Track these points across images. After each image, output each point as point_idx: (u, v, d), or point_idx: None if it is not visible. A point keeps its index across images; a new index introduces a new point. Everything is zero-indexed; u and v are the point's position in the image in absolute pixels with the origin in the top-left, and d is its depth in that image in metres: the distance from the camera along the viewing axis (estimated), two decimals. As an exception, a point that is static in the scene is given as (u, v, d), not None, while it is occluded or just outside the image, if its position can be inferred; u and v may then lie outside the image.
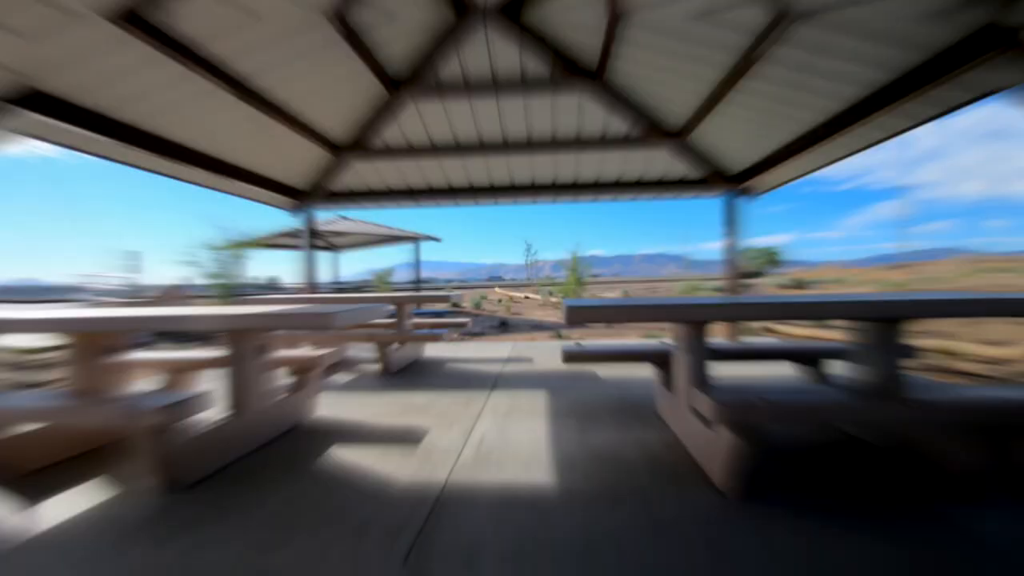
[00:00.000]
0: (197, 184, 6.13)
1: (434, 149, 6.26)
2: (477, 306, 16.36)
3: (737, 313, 2.67)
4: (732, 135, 5.70)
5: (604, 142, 6.18)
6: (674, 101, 5.42)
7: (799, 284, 26.20)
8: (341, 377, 5.16)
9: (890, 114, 4.05)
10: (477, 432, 3.32)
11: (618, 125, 5.98)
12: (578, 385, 4.56)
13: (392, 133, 6.13)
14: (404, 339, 5.10)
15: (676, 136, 5.93)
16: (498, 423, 3.50)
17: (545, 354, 6.41)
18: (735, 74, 4.35)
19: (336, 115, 5.61)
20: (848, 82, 4.02)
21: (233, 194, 6.68)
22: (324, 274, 20.81)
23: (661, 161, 6.65)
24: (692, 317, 2.64)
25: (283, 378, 3.62)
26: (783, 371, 4.68)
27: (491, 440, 3.17)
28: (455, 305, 16.96)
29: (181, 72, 3.81)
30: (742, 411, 2.35)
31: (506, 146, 6.24)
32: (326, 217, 15.42)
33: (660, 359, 3.54)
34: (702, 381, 2.79)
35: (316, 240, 18.28)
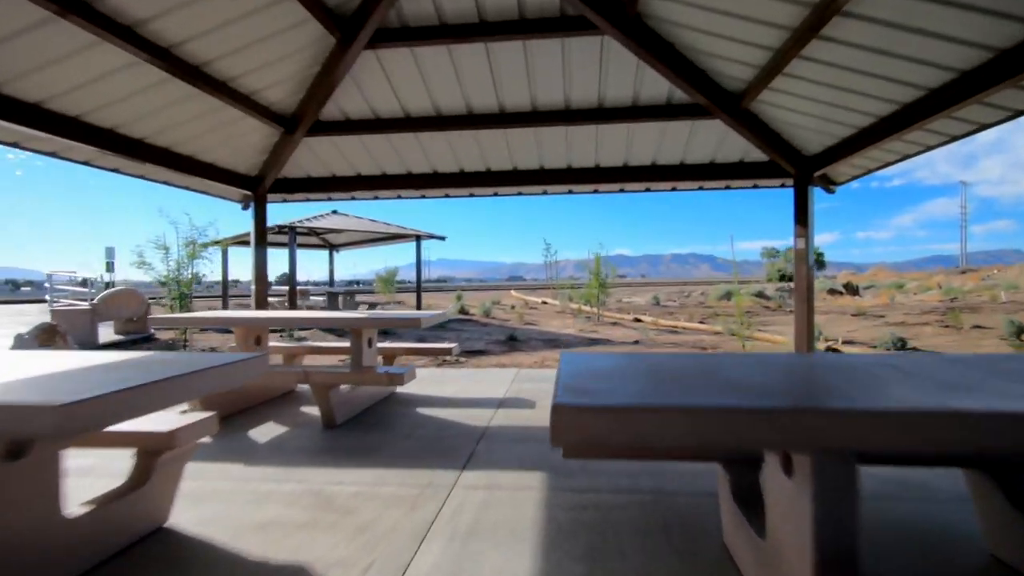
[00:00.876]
0: (127, 174, 4.85)
1: (409, 121, 4.82)
2: (487, 313, 14.89)
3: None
4: (808, 106, 4.11)
5: (635, 111, 4.64)
6: (734, 53, 3.85)
7: (851, 289, 23.97)
8: (267, 428, 3.76)
9: (1009, 90, 2.87)
10: (409, 583, 1.87)
11: (654, 87, 4.44)
12: (592, 465, 3.03)
13: (352, 101, 4.71)
14: (352, 380, 3.67)
15: (735, 103, 4.35)
16: (452, 557, 2.02)
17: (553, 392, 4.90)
18: (813, 26, 3.02)
19: (278, 78, 4.22)
20: (955, 46, 2.82)
21: (173, 185, 5.38)
22: (321, 274, 19.67)
23: (709, 139, 5.06)
24: (841, 439, 1.14)
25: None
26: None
27: (427, 610, 1.71)
28: (462, 311, 15.53)
29: (91, 41, 2.96)
30: None
31: (503, 117, 4.74)
32: (317, 211, 14.16)
33: (735, 459, 2.01)
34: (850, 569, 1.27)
35: (309, 238, 17.16)
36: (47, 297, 13.41)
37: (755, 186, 5.88)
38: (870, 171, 5.10)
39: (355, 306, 13.98)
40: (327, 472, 2.92)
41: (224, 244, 10.77)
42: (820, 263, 69.37)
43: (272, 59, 3.90)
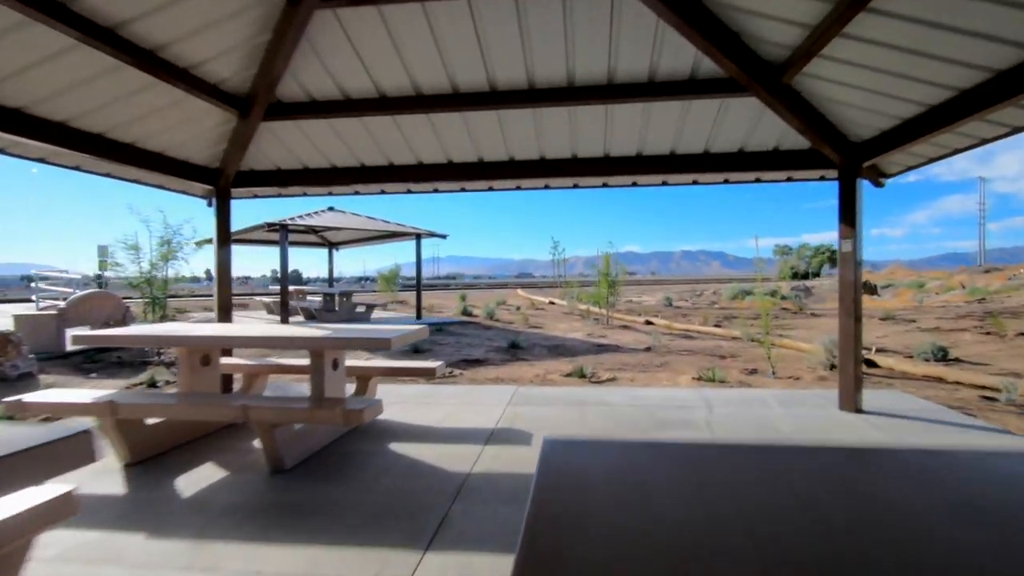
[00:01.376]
0: (56, 164, 4.19)
1: (384, 102, 4.09)
2: (490, 315, 14.18)
3: None
4: (865, 78, 3.35)
5: (652, 88, 3.89)
6: (778, 9, 3.09)
7: (869, 288, 22.95)
8: (201, 473, 3.08)
9: None
10: None
11: (676, 56, 3.68)
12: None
13: (316, 78, 4.00)
14: (299, 418, 2.96)
15: (775, 76, 3.58)
16: None
17: (555, 418, 4.18)
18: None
19: (221, 48, 3.51)
20: None
21: (117, 178, 4.73)
22: (321, 271, 19.07)
23: (739, 123, 4.29)
24: None
25: None
26: None
27: None
28: (465, 313, 14.84)
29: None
30: None
31: (495, 96, 4.01)
32: (307, 208, 13.50)
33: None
34: None
35: (307, 236, 16.54)
36: (33, 297, 12.90)
37: (789, 179, 5.09)
38: (932, 160, 4.31)
39: (352, 307, 13.34)
40: (249, 551, 2.22)
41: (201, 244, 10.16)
42: (834, 261, 67.84)
43: (208, 22, 3.20)
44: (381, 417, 4.33)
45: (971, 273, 37.90)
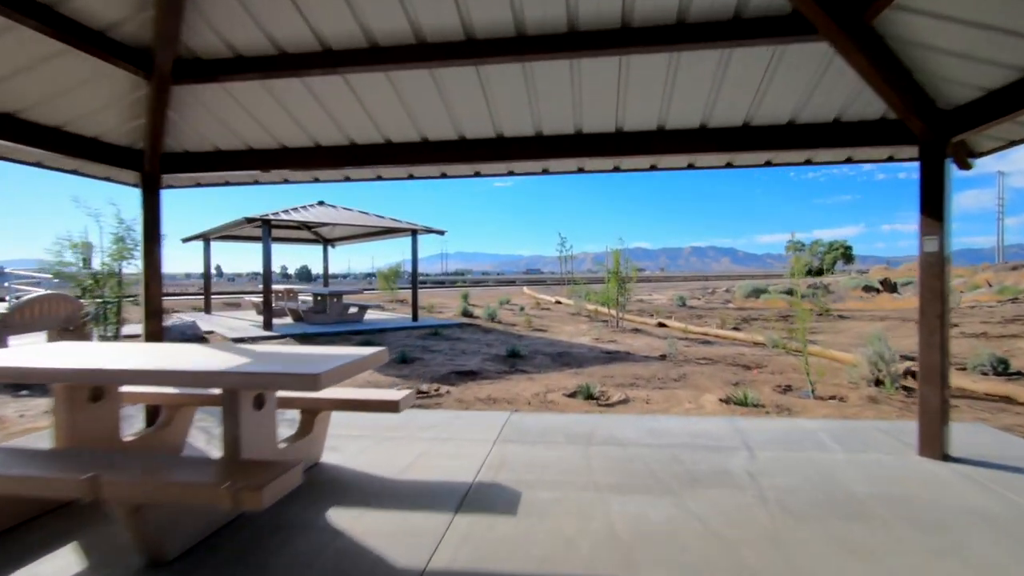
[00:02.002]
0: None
1: (329, 56, 3.14)
2: (492, 317, 13.23)
3: None
4: (981, 9, 2.36)
5: (681, 31, 2.91)
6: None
7: (889, 286, 21.71)
8: (46, 566, 2.18)
9: None
10: None
11: (716, -12, 2.71)
12: None
13: (240, 26, 3.05)
14: (164, 497, 2.04)
15: (856, 10, 2.60)
16: None
17: (552, 465, 3.23)
18: None
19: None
20: None
21: (26, 163, 3.86)
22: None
23: (794, 83, 3.30)
24: None
25: None
26: None
27: None
28: (466, 314, 13.91)
29: None
30: None
31: (473, 47, 3.05)
32: (286, 205, 12.59)
33: None
34: None
35: (301, 232, 15.69)
36: (5, 297, 12.12)
37: (848, 160, 4.10)
38: (1021, 140, 3.30)
39: (344, 308, 12.45)
40: None
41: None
42: (848, 257, 65.65)
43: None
44: (329, 462, 3.42)
45: (996, 270, 36.33)
